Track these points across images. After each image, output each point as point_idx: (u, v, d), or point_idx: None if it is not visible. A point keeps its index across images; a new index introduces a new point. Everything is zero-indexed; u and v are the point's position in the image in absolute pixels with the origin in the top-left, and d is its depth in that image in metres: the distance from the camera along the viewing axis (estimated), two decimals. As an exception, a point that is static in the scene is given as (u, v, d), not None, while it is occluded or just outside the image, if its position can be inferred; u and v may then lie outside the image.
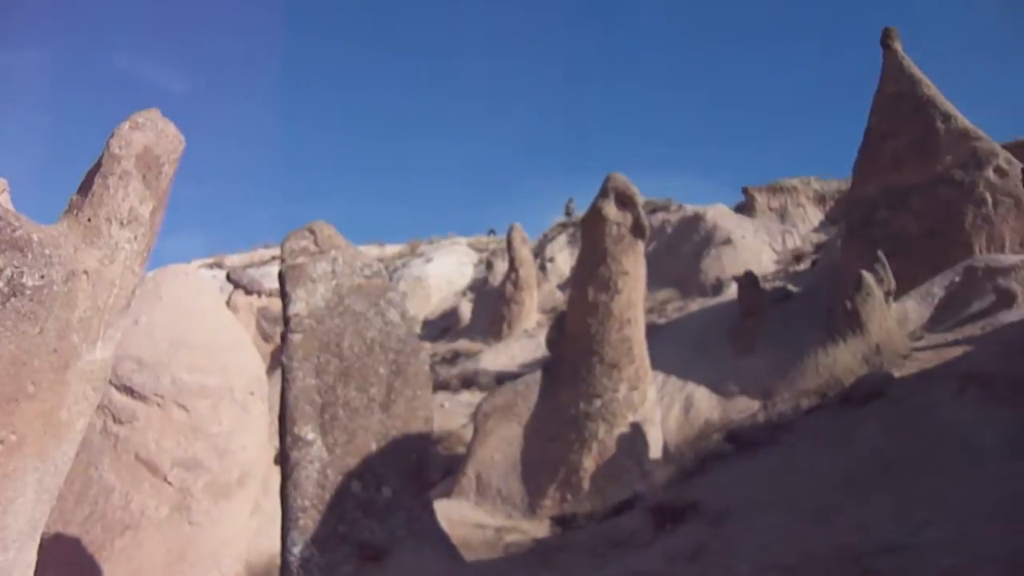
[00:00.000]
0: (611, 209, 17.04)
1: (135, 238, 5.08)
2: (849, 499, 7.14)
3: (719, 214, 38.78)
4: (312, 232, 8.73)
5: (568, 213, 49.51)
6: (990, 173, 21.50)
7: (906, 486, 7.08)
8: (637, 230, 17.15)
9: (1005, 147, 23.56)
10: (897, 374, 11.06)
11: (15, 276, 4.18)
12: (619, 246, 16.91)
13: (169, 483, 10.37)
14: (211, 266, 50.09)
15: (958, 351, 11.65)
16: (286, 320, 8.15)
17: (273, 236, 65.61)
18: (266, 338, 26.77)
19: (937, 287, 17.59)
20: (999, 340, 11.53)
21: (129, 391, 10.43)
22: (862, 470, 7.87)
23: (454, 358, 31.37)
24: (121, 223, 4.94)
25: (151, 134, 5.17)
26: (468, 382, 26.56)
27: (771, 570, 6.14)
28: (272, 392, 13.02)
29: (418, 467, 8.37)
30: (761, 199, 45.38)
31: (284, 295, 8.29)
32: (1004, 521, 5.78)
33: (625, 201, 17.18)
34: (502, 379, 23.99)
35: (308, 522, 7.36)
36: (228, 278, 28.93)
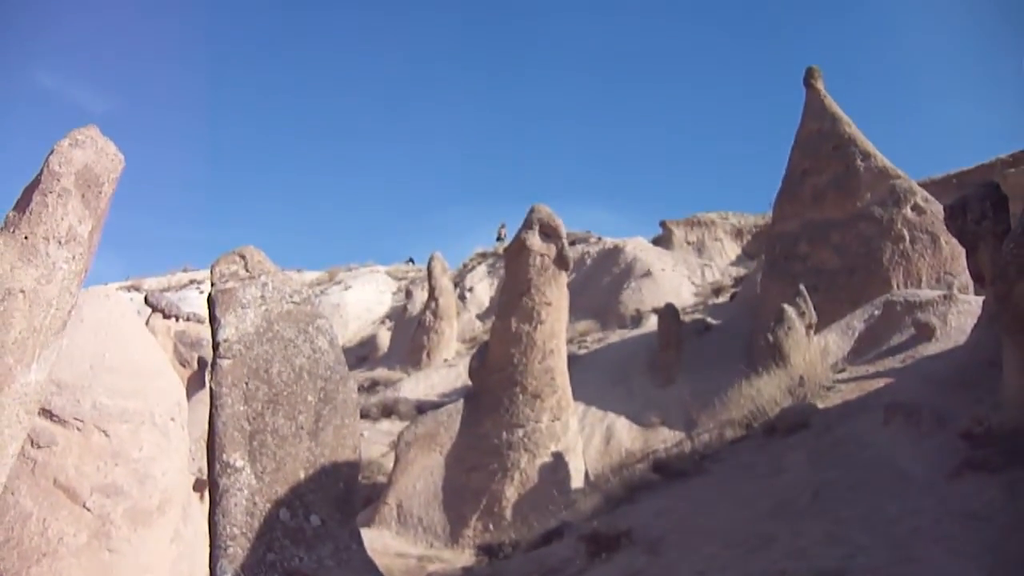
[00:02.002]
0: (535, 240, 17.09)
1: (73, 258, 4.99)
2: (783, 526, 7.23)
3: (638, 247, 39.11)
4: (243, 257, 8.62)
5: (500, 238, 49.53)
6: (908, 210, 22.06)
7: (838, 513, 7.20)
8: (561, 261, 17.24)
9: (922, 185, 24.22)
10: (821, 405, 11.24)
11: (-50, 294, 4.09)
12: (542, 277, 16.97)
13: (88, 509, 10.14)
14: (128, 289, 49.17)
15: (880, 383, 11.86)
16: (215, 345, 8.03)
17: (191, 260, 64.75)
18: (183, 363, 26.31)
19: (857, 320, 17.89)
20: (920, 372, 11.76)
21: (48, 414, 10.18)
22: (793, 498, 7.97)
23: (373, 386, 31.12)
24: (59, 242, 4.85)
25: (91, 152, 5.09)
26: (388, 411, 26.36)
27: (709, 598, 6.19)
28: (190, 417, 12.83)
29: (346, 496, 8.27)
30: (679, 232, 45.93)
31: (213, 320, 8.16)
32: (935, 544, 5.90)
33: (549, 232, 17.25)
34: (423, 408, 23.88)
35: (237, 550, 7.24)
36: (146, 301, 28.44)
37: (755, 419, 11.80)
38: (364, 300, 48.87)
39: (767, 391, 12.62)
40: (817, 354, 15.04)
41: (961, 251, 14.69)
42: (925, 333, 15.03)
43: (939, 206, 20.96)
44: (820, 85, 25.85)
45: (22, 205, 4.85)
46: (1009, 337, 7.91)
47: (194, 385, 25.08)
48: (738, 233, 46.57)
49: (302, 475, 7.89)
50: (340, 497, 8.14)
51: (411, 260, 58.69)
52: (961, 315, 15.17)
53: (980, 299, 13.46)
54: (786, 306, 16.20)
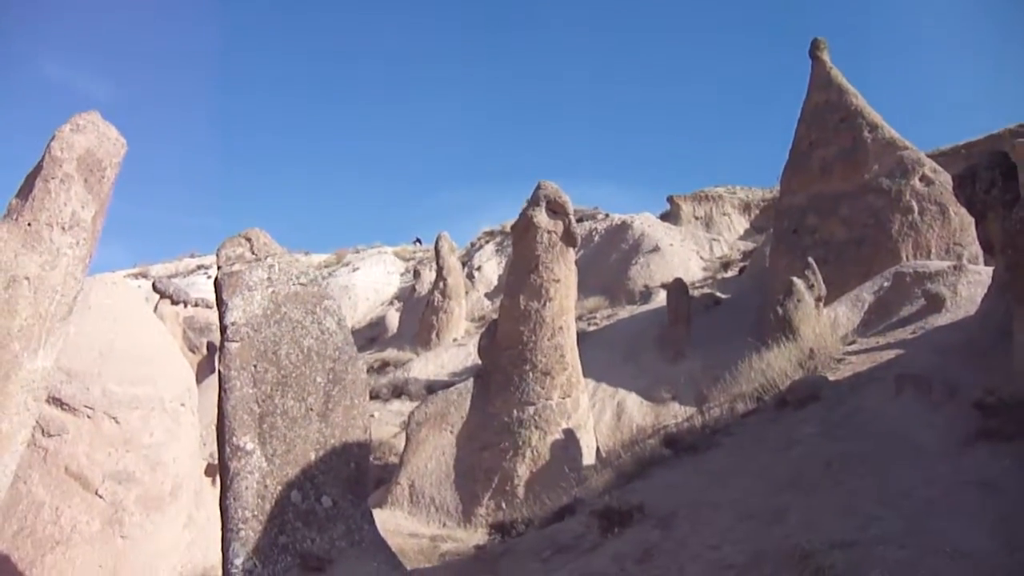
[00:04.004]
0: (542, 217, 17.03)
1: (77, 243, 4.96)
2: (796, 499, 7.21)
3: (646, 222, 38.99)
4: (248, 239, 8.59)
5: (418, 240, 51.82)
6: (916, 182, 21.98)
7: (851, 484, 7.17)
8: (568, 238, 17.18)
9: (930, 156, 24.14)
10: (832, 377, 11.21)
11: (-45, 282, 4.06)
12: (550, 254, 16.91)
13: (100, 497, 10.18)
14: (136, 276, 49.28)
15: (891, 354, 11.82)
16: (223, 329, 8.00)
17: (198, 246, 64.89)
18: (192, 348, 26.45)
19: (867, 292, 17.85)
20: (930, 343, 11.72)
21: (58, 403, 10.23)
22: (806, 470, 7.95)
23: (383, 367, 31.17)
24: (63, 228, 4.82)
25: (93, 137, 5.06)
26: (398, 391, 26.40)
27: (723, 570, 6.18)
28: (201, 402, 12.84)
29: (357, 476, 8.26)
30: (687, 207, 45.84)
31: (221, 303, 8.14)
32: (949, 514, 5.88)
33: (556, 209, 17.19)
34: (433, 388, 23.92)
35: (249, 533, 7.23)
36: (154, 288, 28.57)
37: (766, 392, 11.78)
38: (372, 281, 48.88)
39: (777, 364, 12.60)
40: (827, 326, 15.02)
41: (970, 221, 14.64)
42: (935, 304, 14.99)
43: (948, 177, 20.89)
44: (826, 57, 25.72)
45: (25, 192, 4.82)
46: (1020, 306, 7.88)
47: (204, 370, 25.22)
48: (746, 207, 46.48)
49: (313, 456, 7.88)
50: (351, 478, 8.13)
51: (418, 240, 58.72)
52: (971, 285, 15.12)
53: (990, 269, 13.40)
54: (795, 279, 16.16)
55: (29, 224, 4.67)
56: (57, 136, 4.87)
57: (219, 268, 8.37)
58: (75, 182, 4.90)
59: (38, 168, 4.82)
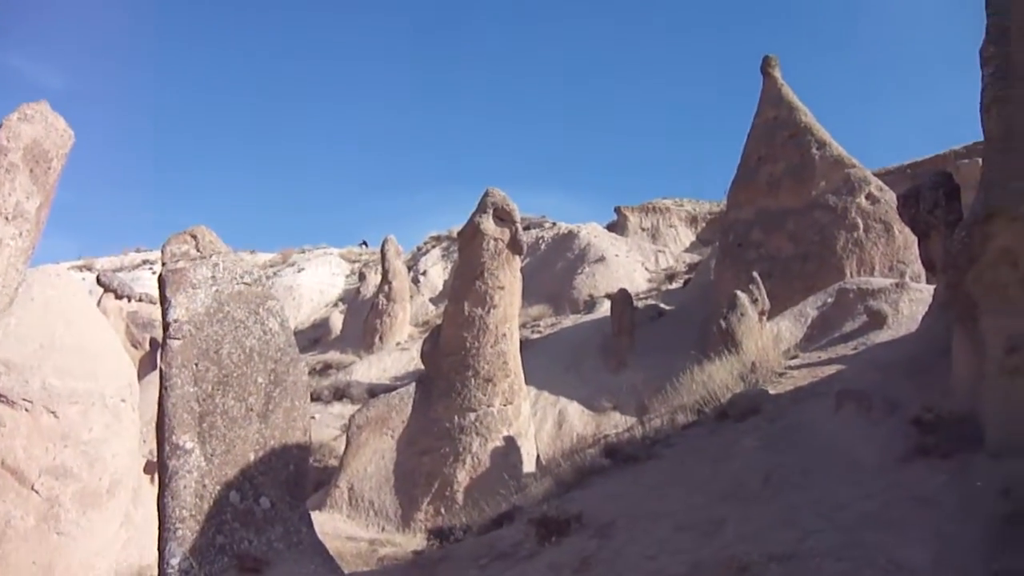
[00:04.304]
0: (489, 224, 17.06)
1: (20, 234, 4.90)
2: (734, 511, 7.26)
3: (593, 232, 39.20)
4: (194, 236, 8.52)
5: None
6: (862, 199, 22.33)
7: (789, 497, 7.24)
8: (514, 245, 17.23)
9: (877, 174, 24.51)
10: (773, 391, 11.31)
11: None
12: (496, 261, 16.95)
13: (36, 492, 10.04)
14: (80, 268, 48.71)
15: (832, 369, 11.97)
16: (165, 326, 7.93)
17: (144, 240, 64.16)
18: (135, 344, 26.19)
19: (810, 308, 18.04)
20: (871, 359, 11.86)
21: (-5, 395, 10.07)
22: (745, 483, 8.01)
23: (325, 369, 31.05)
24: (6, 218, 4.77)
25: (40, 127, 5.00)
26: (340, 394, 26.29)
27: (661, 581, 6.21)
28: (142, 399, 12.70)
29: (296, 478, 8.22)
30: (634, 218, 46.14)
31: (164, 300, 8.06)
32: (885, 528, 5.95)
33: (503, 216, 17.23)
34: (375, 391, 23.85)
35: (186, 533, 7.16)
36: (98, 281, 28.28)
37: (707, 404, 11.84)
38: (317, 282, 48.70)
39: (719, 377, 12.68)
40: (769, 340, 15.16)
41: (914, 240, 14.84)
42: (877, 320, 15.19)
43: (893, 195, 21.17)
44: (777, 73, 26.02)
45: (-33, 180, 4.74)
46: (959, 325, 7.99)
47: (146, 366, 24.98)
48: (693, 220, 46.91)
49: (252, 457, 7.83)
50: (290, 480, 8.09)
51: (365, 243, 58.63)
52: (913, 303, 15.34)
53: (931, 287, 13.60)
54: (739, 292, 16.29)
55: (-29, 213, 4.60)
56: (4, 125, 4.81)
57: (164, 264, 8.30)
58: (20, 172, 4.84)
59: (-18, 156, 4.75)
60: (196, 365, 7.81)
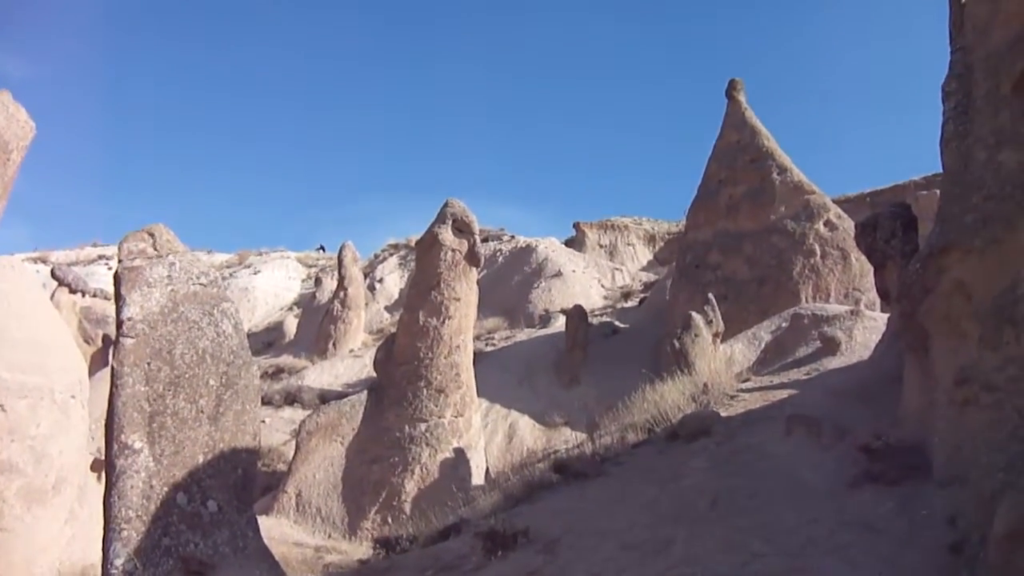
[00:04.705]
0: (447, 235, 17.07)
1: (-24, 227, 4.85)
2: (680, 531, 7.29)
3: (551, 247, 39.32)
4: (151, 235, 8.48)
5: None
6: (820, 226, 22.57)
7: (736, 520, 7.28)
8: (472, 257, 17.25)
9: (836, 202, 24.79)
10: (724, 413, 11.39)
11: None
12: (453, 272, 16.96)
13: (-21, 486, 9.93)
14: (35, 260, 48.17)
15: (783, 394, 12.06)
16: (119, 323, 7.87)
17: (101, 235, 63.70)
18: (87, 339, 25.96)
19: (764, 331, 18.19)
20: (823, 385, 11.97)
21: (-59, 387, 9.96)
22: (692, 504, 8.05)
23: (277, 373, 30.90)
24: (-37, 210, 4.72)
25: (1, 118, 4.95)
26: (291, 399, 26.15)
27: (606, 599, 6.23)
28: (92, 396, 12.59)
29: (244, 482, 8.19)
30: (592, 235, 46.31)
31: (119, 297, 8.01)
32: (831, 553, 6.02)
33: (462, 228, 17.25)
34: (326, 398, 23.77)
35: (132, 533, 7.11)
36: (52, 274, 27.98)
37: (657, 424, 11.89)
38: (273, 285, 48.52)
39: (671, 396, 12.73)
40: (722, 362, 15.26)
41: (870, 268, 14.97)
42: (830, 347, 15.34)
43: (851, 223, 21.44)
44: (742, 97, 26.26)
45: (-76, 170, 4.70)
46: (911, 354, 8.10)
47: (97, 363, 24.76)
48: (651, 239, 47.14)
49: (201, 460, 7.79)
50: (238, 484, 8.07)
51: (322, 248, 58.54)
52: (867, 331, 15.49)
53: (886, 316, 13.76)
54: (694, 313, 16.38)
55: (-72, 204, 4.57)
56: (-36, 116, 4.77)
57: (120, 262, 8.25)
58: (-21, 164, 4.80)
59: (-60, 146, 4.71)
60: (148, 364, 7.76)
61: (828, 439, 8.77)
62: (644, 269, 42.50)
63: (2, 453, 10.09)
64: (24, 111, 5.40)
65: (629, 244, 46.45)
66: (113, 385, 7.63)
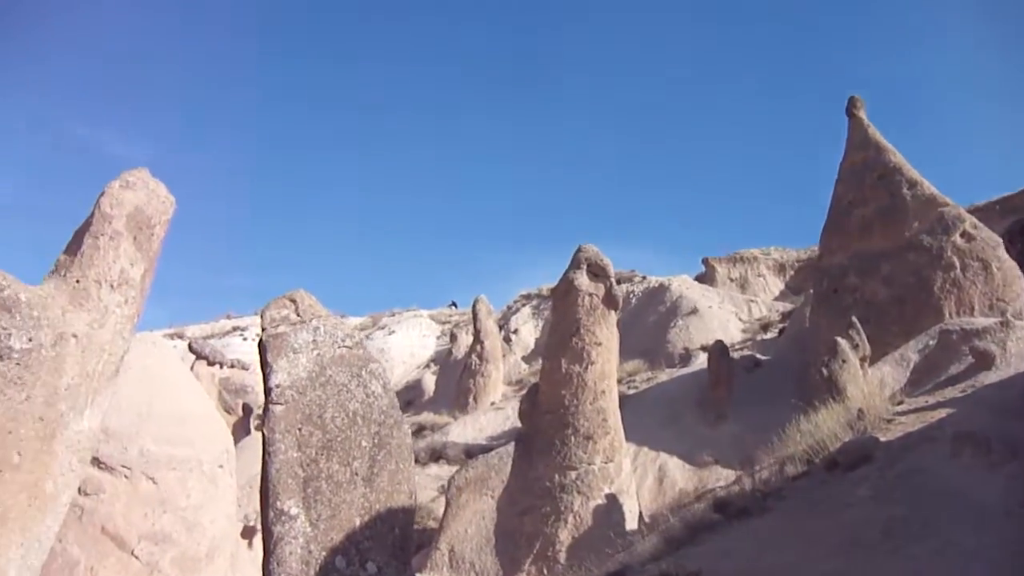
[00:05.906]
0: (583, 280, 16.95)
1: (125, 302, 4.86)
2: (854, 564, 7.00)
3: (683, 284, 38.98)
4: (293, 301, 8.51)
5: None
6: (957, 238, 21.79)
7: (911, 548, 6.95)
8: (610, 300, 17.07)
9: (969, 211, 23.96)
10: (883, 438, 10.97)
11: (2, 338, 3.93)
12: (592, 317, 16.80)
13: (136, 557, 10.08)
14: (172, 336, 49.58)
15: (942, 413, 11.59)
16: (268, 391, 7.89)
17: (234, 307, 65.35)
18: (228, 409, 26.44)
19: (912, 351, 17.62)
20: (983, 401, 11.49)
21: (96, 462, 10.14)
22: (862, 534, 7.74)
23: (419, 431, 31.06)
24: (112, 286, 4.72)
25: (142, 194, 4.97)
26: (436, 455, 26.25)
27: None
28: (237, 464, 12.73)
29: (402, 542, 8.12)
30: (722, 269, 45.88)
31: (265, 365, 8.03)
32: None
33: (597, 272, 17.11)
34: (471, 452, 23.78)
35: (293, 599, 7.08)
36: (190, 348, 28.66)
37: (815, 454, 11.55)
38: (408, 344, 49.02)
39: (826, 425, 12.36)
40: (875, 386, 14.78)
41: (1014, 277, 14.43)
42: (984, 361, 14.70)
43: (989, 232, 20.74)
44: (863, 114, 25.72)
45: (73, 248, 4.73)
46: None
47: (239, 432, 25.22)
48: (780, 268, 46.49)
49: (358, 522, 7.73)
50: (396, 544, 7.99)
51: (454, 304, 59.11)
52: (1020, 341, 14.90)
53: (1036, 325, 13.18)
54: (839, 339, 15.94)
55: (77, 281, 4.58)
56: (107, 192, 4.79)
57: (263, 330, 8.27)
58: (124, 239, 4.82)
59: (87, 224, 4.74)
60: (300, 430, 7.75)
61: (998, 457, 8.35)
62: (777, 299, 41.86)
63: (155, 524, 10.24)
64: (163, 187, 5.45)
65: (759, 275, 45.88)
66: (265, 452, 7.63)
